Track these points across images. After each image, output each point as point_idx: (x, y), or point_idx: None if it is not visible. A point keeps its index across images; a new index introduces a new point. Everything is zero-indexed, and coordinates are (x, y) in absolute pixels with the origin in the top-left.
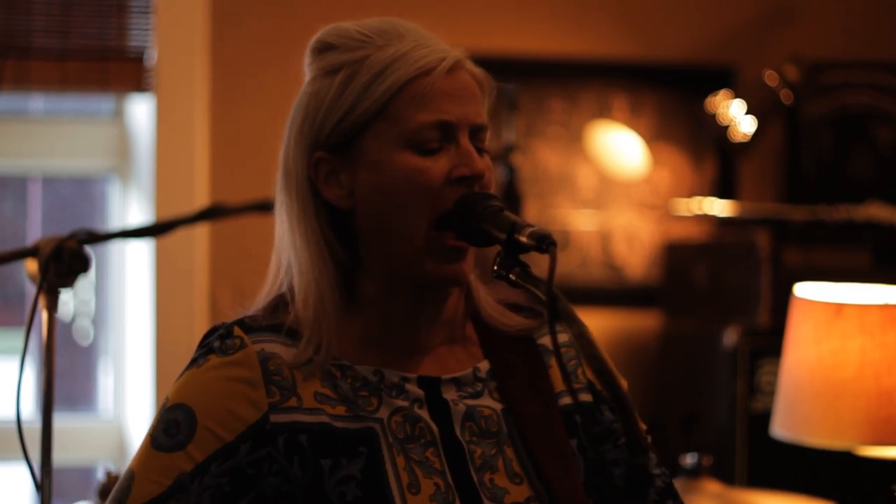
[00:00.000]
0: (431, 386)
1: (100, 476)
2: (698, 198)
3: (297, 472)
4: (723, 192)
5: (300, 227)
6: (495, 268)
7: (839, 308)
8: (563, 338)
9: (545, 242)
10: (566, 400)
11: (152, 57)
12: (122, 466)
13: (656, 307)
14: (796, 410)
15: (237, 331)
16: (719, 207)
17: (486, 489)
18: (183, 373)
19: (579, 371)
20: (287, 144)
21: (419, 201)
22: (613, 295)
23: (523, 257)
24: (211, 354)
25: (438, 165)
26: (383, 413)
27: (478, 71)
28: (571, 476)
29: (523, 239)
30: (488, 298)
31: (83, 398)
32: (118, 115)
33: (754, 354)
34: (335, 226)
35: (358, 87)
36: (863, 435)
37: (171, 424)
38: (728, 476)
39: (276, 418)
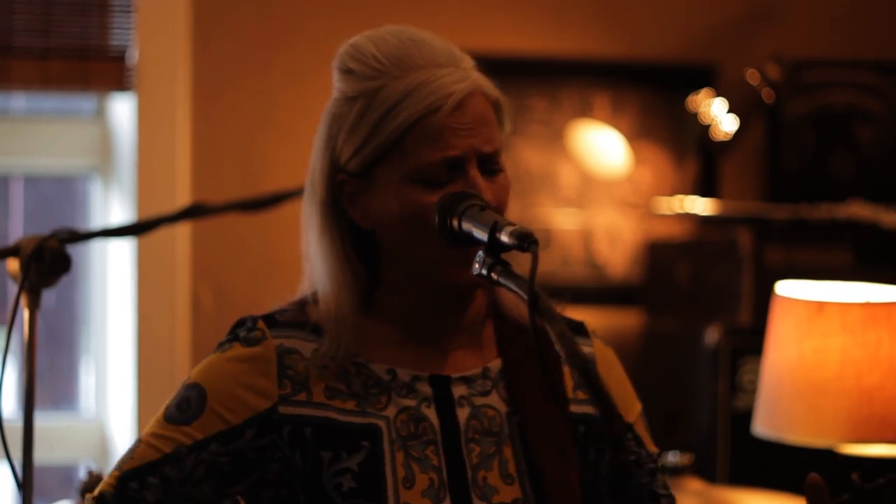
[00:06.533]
0: (441, 384)
1: (81, 475)
2: (680, 196)
3: (298, 460)
4: (704, 190)
5: (322, 240)
6: (476, 266)
7: (820, 306)
8: (582, 349)
9: (527, 241)
10: (573, 408)
11: (134, 56)
12: (104, 465)
13: (638, 306)
14: (778, 409)
15: (261, 324)
16: (701, 206)
17: (477, 487)
18: (209, 355)
19: None
20: (314, 157)
21: (427, 235)
22: (595, 294)
23: (505, 256)
24: (235, 342)
25: None
26: (391, 411)
27: (492, 92)
28: (571, 479)
29: (505, 238)
30: (511, 296)
31: (65, 397)
32: (100, 115)
33: (736, 353)
34: (359, 240)
35: (371, 121)
36: (844, 433)
37: (184, 401)
38: (710, 474)
39: (284, 410)
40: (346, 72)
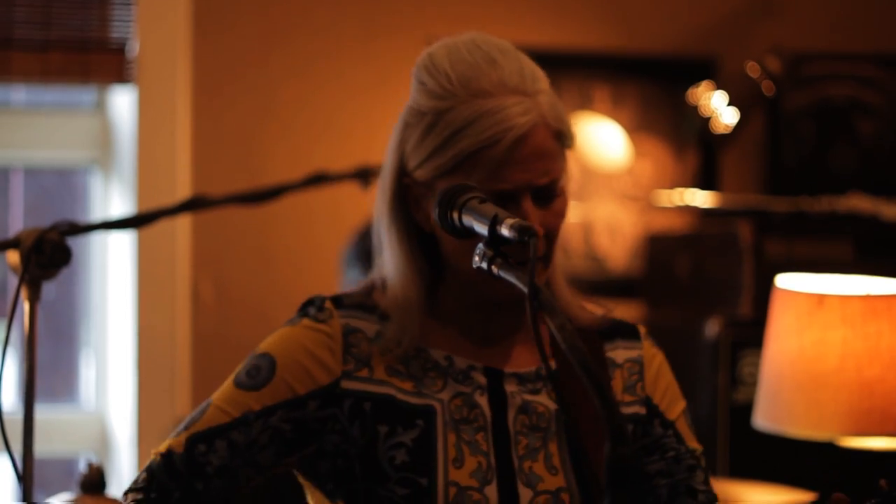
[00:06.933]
0: (495, 377)
1: (82, 468)
2: (680, 189)
3: (356, 433)
4: (705, 183)
5: (390, 232)
6: (476, 259)
7: (821, 299)
8: (630, 354)
9: (527, 233)
10: (623, 409)
11: (134, 48)
12: (104, 458)
13: (638, 298)
14: (778, 401)
15: (328, 304)
16: (701, 199)
17: (523, 475)
18: (278, 329)
19: (638, 386)
20: (387, 155)
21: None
22: (595, 286)
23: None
24: (305, 318)
25: None
26: (446, 395)
27: (555, 123)
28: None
29: (505, 230)
30: (569, 298)
31: (65, 390)
32: (100, 107)
33: (736, 345)
34: (425, 237)
35: (435, 141)
36: (844, 426)
37: (254, 368)
38: (710, 467)
39: (346, 385)
40: (420, 83)
